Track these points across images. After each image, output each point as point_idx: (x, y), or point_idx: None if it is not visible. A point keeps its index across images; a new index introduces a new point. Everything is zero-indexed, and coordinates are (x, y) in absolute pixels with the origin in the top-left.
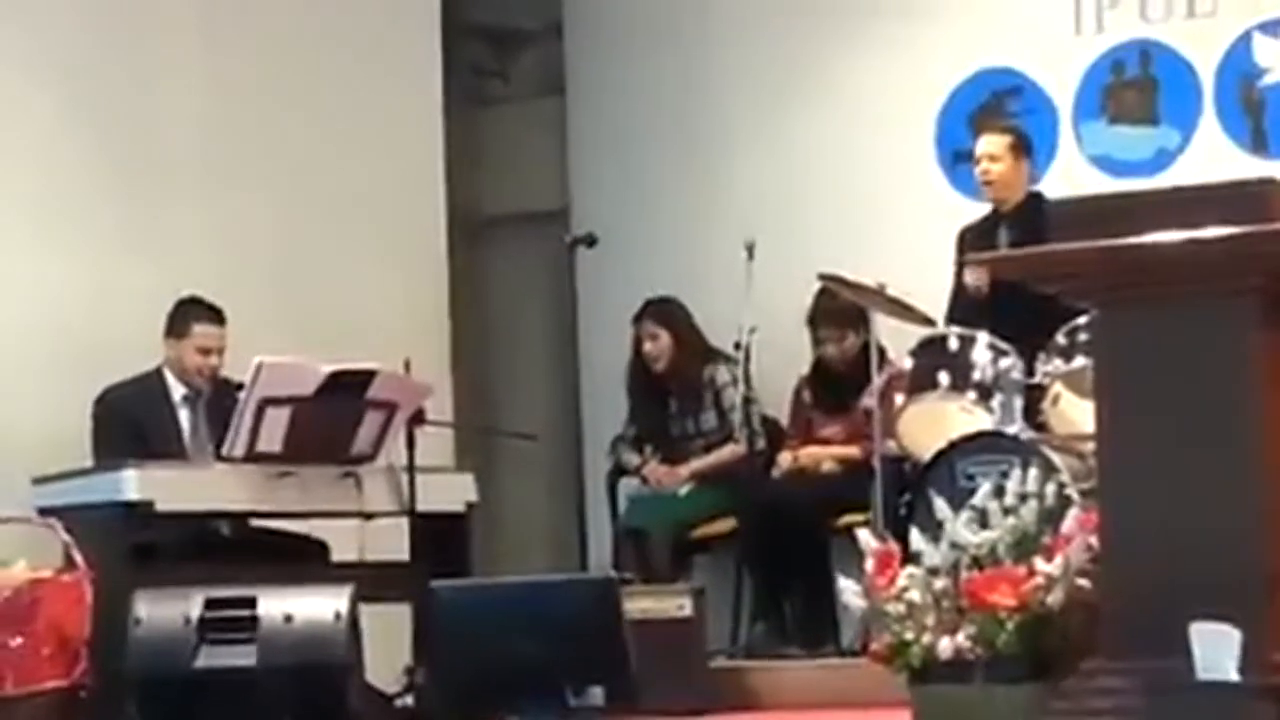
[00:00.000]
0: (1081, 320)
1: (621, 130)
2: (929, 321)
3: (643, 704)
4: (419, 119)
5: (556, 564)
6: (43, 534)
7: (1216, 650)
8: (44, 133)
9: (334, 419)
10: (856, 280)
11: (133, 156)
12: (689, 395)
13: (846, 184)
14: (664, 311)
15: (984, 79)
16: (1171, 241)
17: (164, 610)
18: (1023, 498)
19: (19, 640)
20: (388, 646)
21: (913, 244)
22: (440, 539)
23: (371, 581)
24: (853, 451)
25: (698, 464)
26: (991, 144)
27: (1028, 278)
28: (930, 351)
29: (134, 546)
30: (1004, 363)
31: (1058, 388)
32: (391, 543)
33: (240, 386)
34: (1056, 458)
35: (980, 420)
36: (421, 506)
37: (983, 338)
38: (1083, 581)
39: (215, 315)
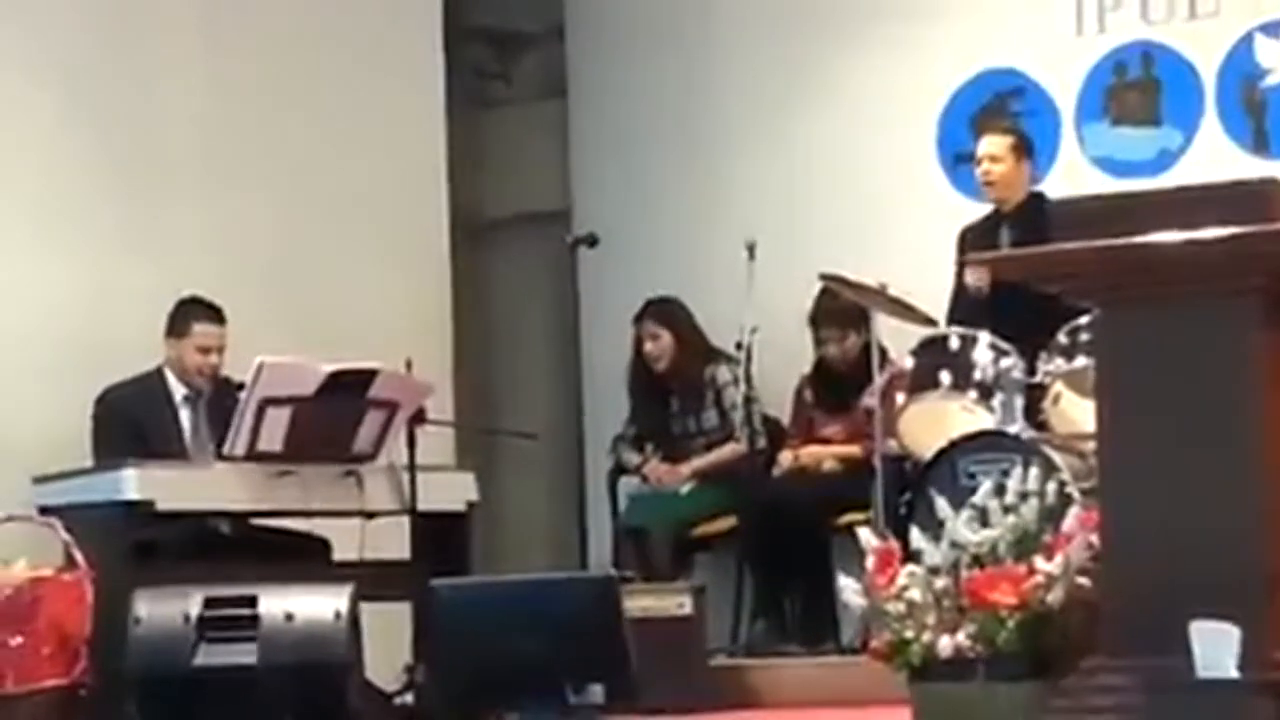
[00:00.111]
0: (1083, 320)
1: (623, 132)
2: (930, 321)
3: (643, 702)
4: (421, 120)
5: (557, 562)
6: (43, 533)
7: (1216, 648)
8: (44, 133)
9: (335, 418)
10: (858, 280)
11: (133, 156)
12: (690, 394)
13: (848, 184)
14: (665, 311)
15: (986, 80)
16: (1173, 241)
17: (164, 609)
18: (1023, 496)
19: (19, 639)
20: (388, 645)
21: (914, 244)
22: (441, 538)
23: (372, 580)
24: (854, 450)
25: (698, 462)
26: (993, 145)
27: (1029, 278)
28: (931, 351)
29: (134, 545)
30: (1005, 362)
31: (1059, 387)
32: (392, 541)
33: (241, 386)
34: (1057, 457)
35: (981, 419)
36: (422, 505)
37: (984, 337)
38: (1083, 580)
39: (215, 314)
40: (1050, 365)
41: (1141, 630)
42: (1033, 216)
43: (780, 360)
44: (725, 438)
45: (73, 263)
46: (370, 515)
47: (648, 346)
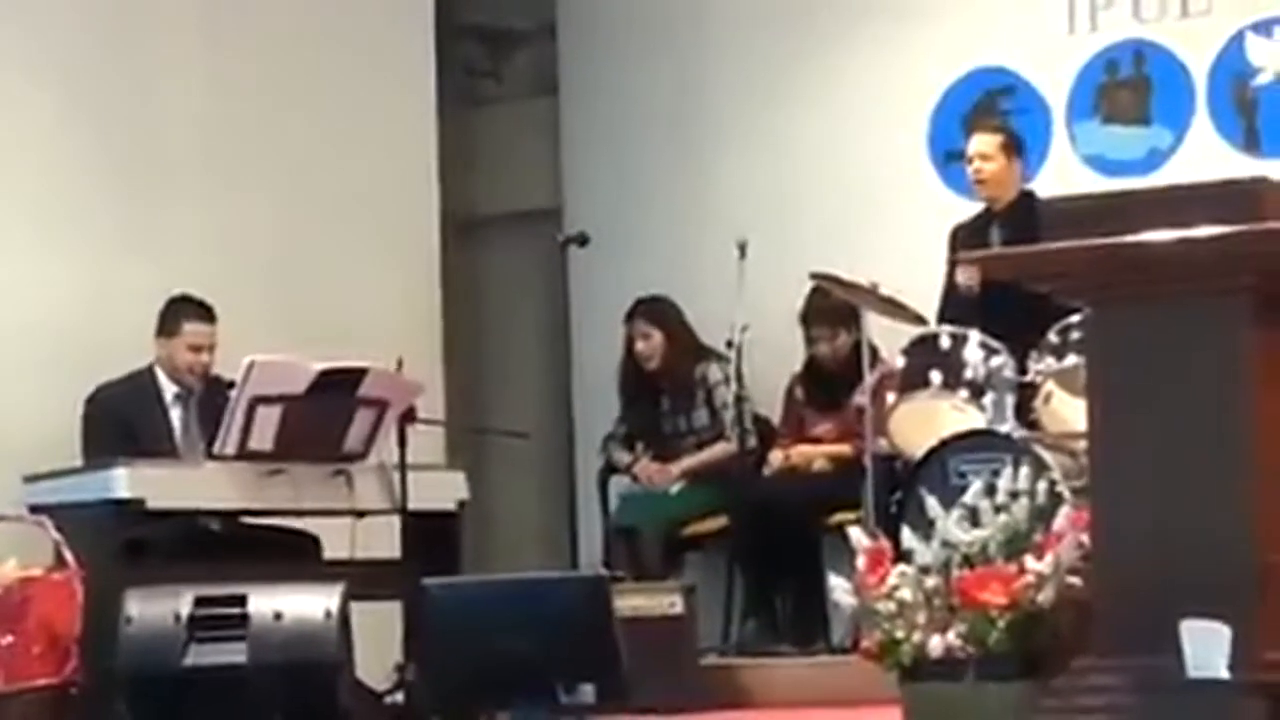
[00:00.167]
0: (1074, 319)
1: (614, 130)
2: (921, 320)
3: (634, 701)
4: (412, 119)
5: (548, 562)
6: (33, 532)
7: (1207, 648)
8: (42, 132)
9: (325, 417)
10: (849, 279)
11: (131, 156)
12: (681, 393)
13: (839, 183)
14: (656, 310)
15: (977, 78)
16: (1164, 240)
17: (154, 608)
18: (1014, 496)
19: (9, 638)
20: (378, 644)
21: (905, 243)
22: (431, 537)
23: (362, 579)
24: (844, 450)
25: (689, 462)
26: (983, 143)
27: (1020, 276)
28: (922, 350)
29: (125, 544)
30: (996, 361)
31: (1050, 386)
32: (382, 541)
33: (232, 385)
34: (1048, 456)
35: (972, 418)
36: (413, 504)
37: (974, 336)
38: (1074, 579)
39: (206, 313)
40: (1041, 364)
41: (1132, 630)
42: (1023, 215)
43: (771, 359)
44: (716, 437)
45: (69, 261)
46: (361, 514)
47: (638, 345)
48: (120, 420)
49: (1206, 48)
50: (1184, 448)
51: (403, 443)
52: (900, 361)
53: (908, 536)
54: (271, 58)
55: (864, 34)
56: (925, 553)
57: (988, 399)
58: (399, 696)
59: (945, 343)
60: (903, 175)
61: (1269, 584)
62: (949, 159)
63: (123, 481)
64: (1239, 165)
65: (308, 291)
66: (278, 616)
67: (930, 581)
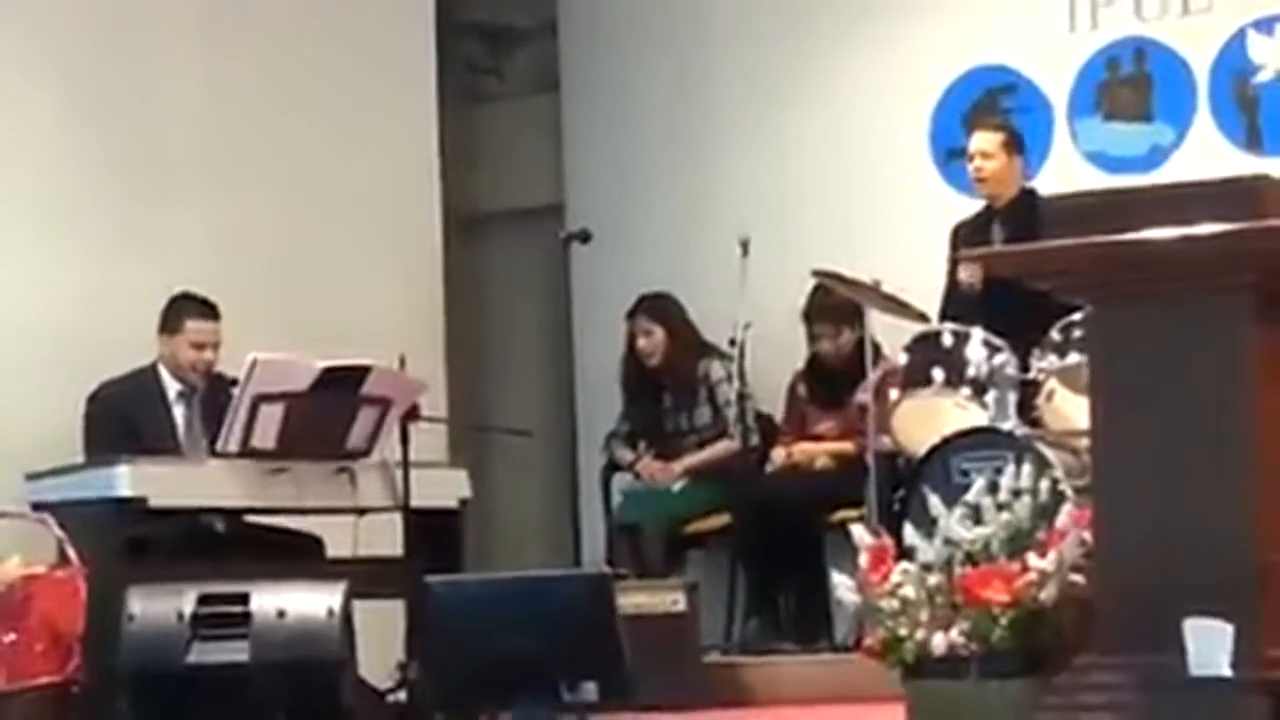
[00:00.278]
0: (1076, 316)
1: (616, 127)
2: (923, 317)
3: (636, 699)
4: (414, 116)
5: (550, 559)
6: (36, 530)
7: (1210, 646)
8: (44, 132)
9: (328, 415)
10: (851, 276)
11: (131, 156)
12: (683, 391)
13: (841, 180)
14: (658, 307)
15: (978, 76)
16: (1165, 238)
17: (157, 606)
18: (1016, 493)
19: (12, 636)
20: (381, 642)
21: (907, 240)
22: (434, 535)
23: (365, 577)
24: (847, 447)
25: (691, 459)
26: (984, 141)
27: (1022, 274)
28: (924, 347)
29: (127, 542)
30: (998, 359)
31: (1052, 384)
32: (385, 538)
33: (234, 382)
34: (1050, 453)
35: (974, 416)
36: (415, 502)
37: (977, 334)
38: (1076, 577)
39: (209, 310)
40: (1043, 362)
41: (1135, 628)
42: (1025, 213)
43: (773, 356)
44: (718, 434)
45: (70, 260)
46: (363, 512)
47: (640, 342)
48: (123, 418)
49: (1208, 45)
50: (1186, 445)
51: (405, 440)
52: (903, 359)
53: (910, 534)
54: (272, 57)
55: (865, 32)
56: (928, 550)
57: (990, 397)
58: (402, 695)
59: (948, 340)
60: (904, 173)
61: (1271, 582)
62: (950, 157)
63: (125, 479)
64: (1240, 163)
65: (309, 290)
66: (280, 615)
67: (933, 579)
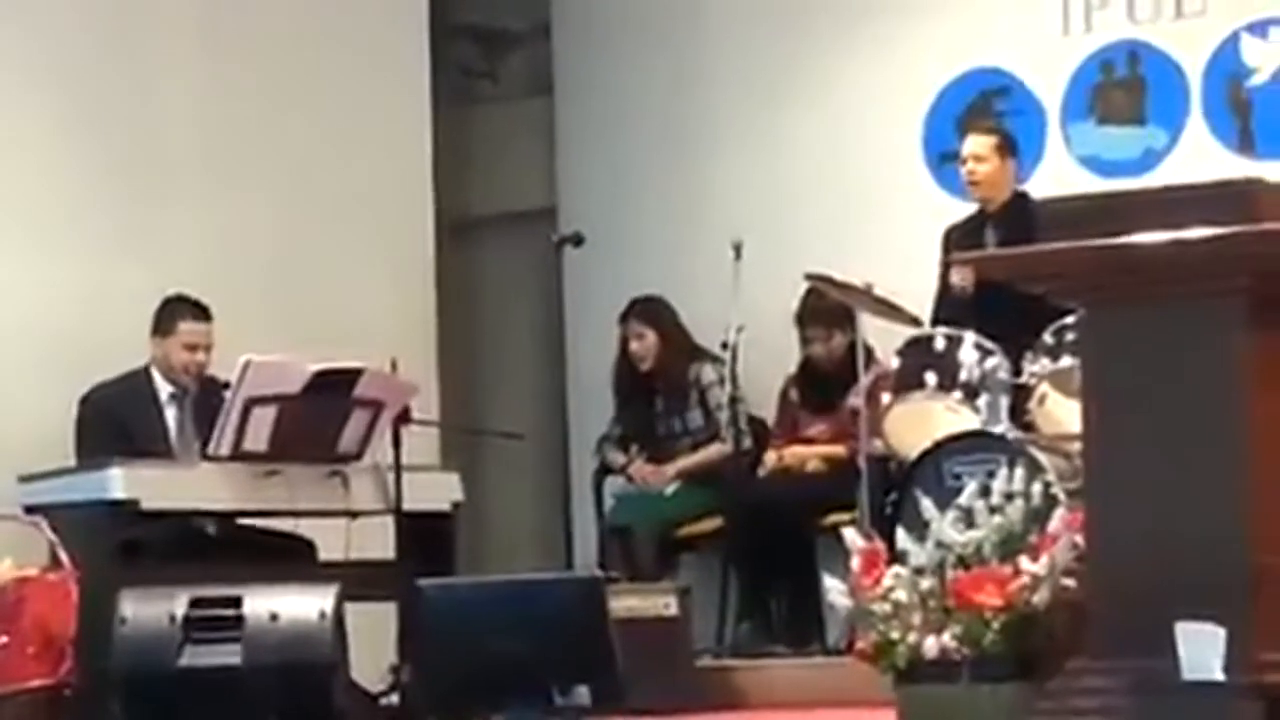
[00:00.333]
0: (1068, 320)
1: (609, 130)
2: (916, 321)
3: (628, 703)
4: (407, 119)
5: (542, 563)
6: (28, 532)
7: (1202, 650)
8: (41, 132)
9: (320, 418)
10: (844, 280)
11: (128, 157)
12: (675, 394)
13: (833, 184)
14: (650, 311)
15: (972, 79)
16: (1158, 241)
17: (149, 609)
18: (1009, 497)
19: (4, 638)
20: (373, 645)
21: (900, 244)
22: (426, 538)
23: (357, 580)
24: (839, 451)
25: (684, 463)
26: (977, 144)
27: (1015, 277)
28: (917, 351)
29: (120, 545)
30: (990, 362)
31: (1044, 387)
32: (377, 541)
33: (227, 385)
34: (1043, 457)
35: (967, 420)
36: (407, 505)
37: (969, 337)
38: (1068, 581)
39: (201, 312)
40: (1036, 365)
41: (1127, 632)
42: (1017, 216)
43: (766, 360)
44: (710, 438)
45: (67, 261)
46: (355, 515)
47: (632, 346)
48: (115, 420)
49: (1201, 48)
50: (1179, 449)
51: (397, 443)
52: (895, 362)
53: (902, 538)
54: (267, 59)
55: (859, 35)
56: (920, 554)
57: (982, 400)
58: (394, 697)
59: (940, 344)
60: (898, 176)
61: (1264, 585)
62: (943, 160)
63: (118, 482)
64: (1234, 166)
65: (303, 292)
66: (273, 617)
67: (925, 583)
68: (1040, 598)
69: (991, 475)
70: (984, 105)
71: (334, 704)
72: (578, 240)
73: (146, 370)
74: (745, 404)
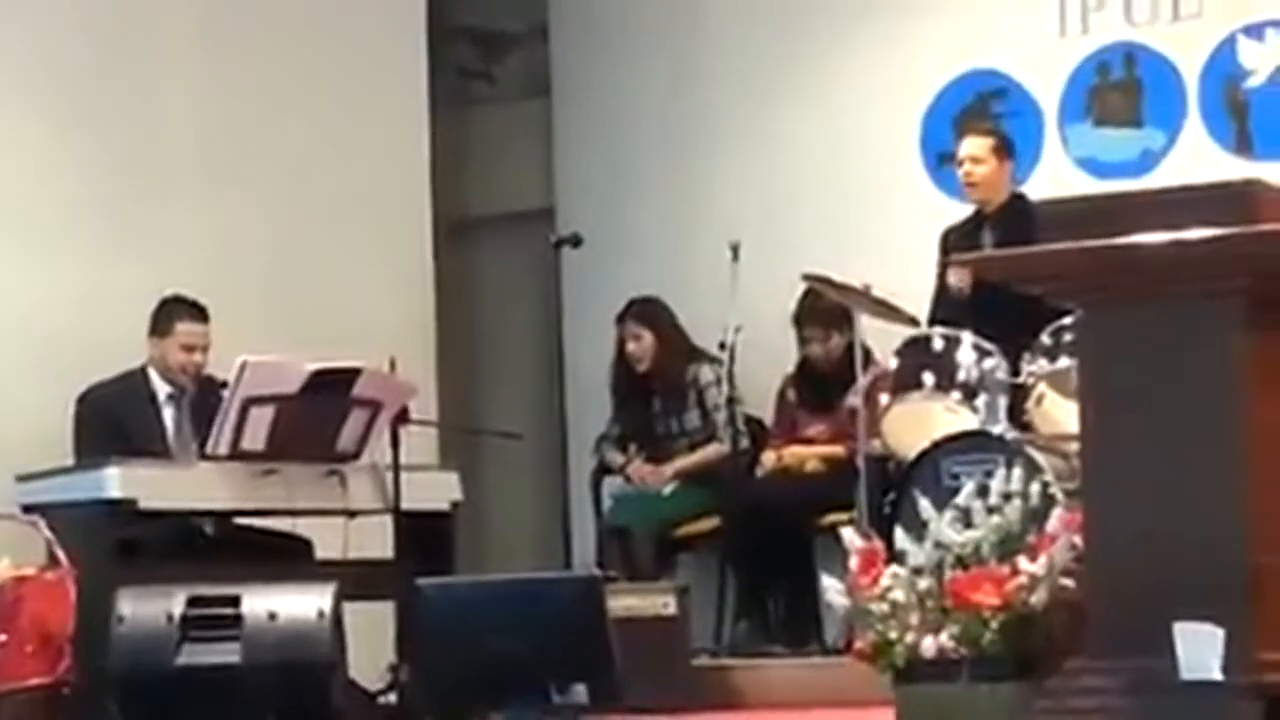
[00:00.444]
0: (1066, 320)
1: (607, 131)
2: (914, 322)
3: (626, 702)
4: (405, 120)
5: (541, 562)
6: (26, 531)
7: (1200, 650)
8: (39, 132)
9: (318, 417)
10: (841, 281)
11: (125, 157)
12: (672, 395)
13: (831, 184)
14: (647, 312)
15: (970, 81)
16: (1156, 243)
17: (147, 608)
18: (1007, 497)
19: (2, 637)
20: (372, 644)
21: (897, 244)
22: (424, 537)
23: (355, 579)
24: (837, 451)
25: (682, 463)
26: (974, 146)
27: (1012, 278)
28: (915, 351)
29: (117, 544)
30: (988, 363)
31: (1042, 388)
32: (375, 541)
33: (224, 385)
34: (1041, 457)
35: (965, 420)
36: (406, 505)
37: (967, 338)
38: (1066, 581)
39: (199, 313)
40: (1034, 366)
41: (1125, 632)
42: (1015, 217)
43: (763, 360)
44: (708, 438)
45: (64, 261)
46: (353, 514)
47: (630, 347)
48: (112, 420)
49: (1198, 50)
50: (1177, 449)
51: (395, 443)
52: (893, 363)
53: (900, 538)
54: (264, 59)
55: (856, 37)
56: (918, 554)
57: (980, 401)
58: (392, 697)
59: (938, 344)
60: (895, 177)
61: (1262, 585)
62: (941, 161)
63: (115, 481)
64: (1231, 167)
65: (301, 292)
66: (271, 617)
67: (923, 583)
68: (1038, 598)
69: (989, 475)
70: (982, 107)
71: (332, 703)
72: (576, 241)
73: (144, 370)
74: (743, 404)
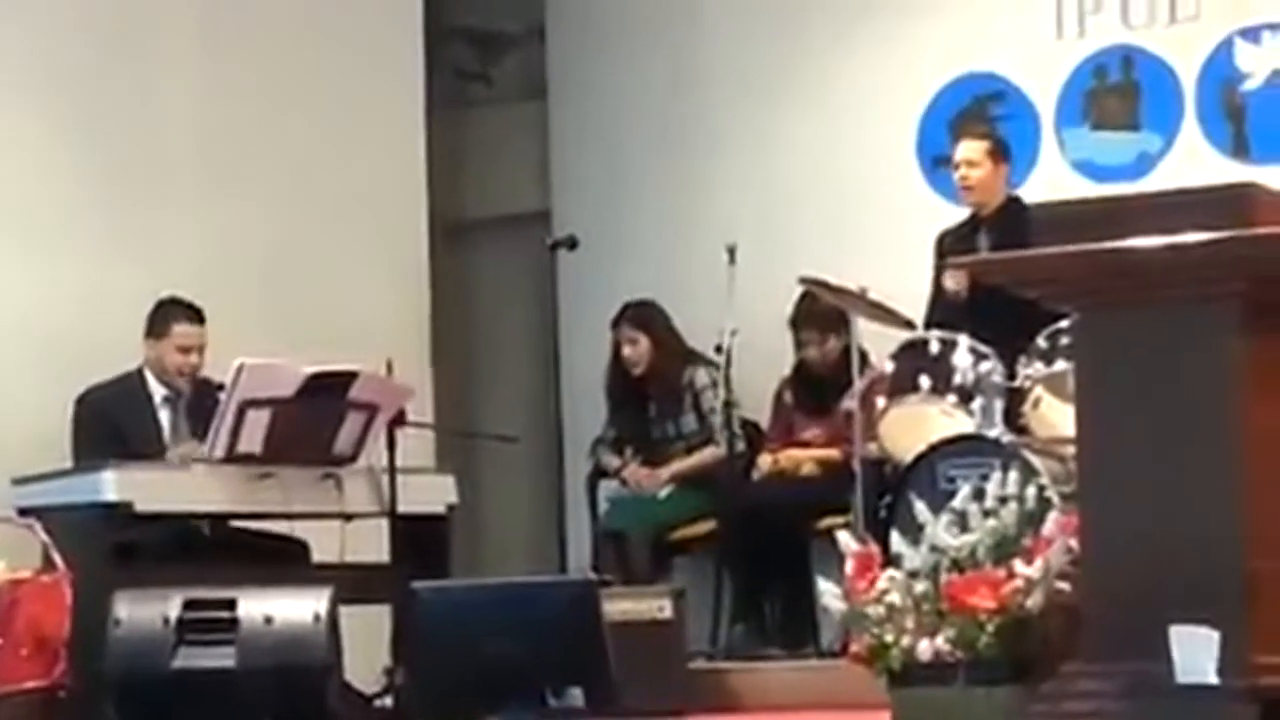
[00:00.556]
0: (1063, 324)
1: (603, 133)
2: (910, 325)
3: (622, 705)
4: (402, 121)
5: (536, 566)
6: (22, 535)
7: (1196, 653)
8: (37, 133)
9: (315, 420)
10: (838, 284)
11: (123, 158)
12: (668, 398)
13: (828, 188)
14: (642, 315)
15: (967, 84)
16: (1152, 246)
17: (143, 611)
18: (1003, 500)
19: None
20: (367, 647)
21: (894, 247)
22: (420, 540)
23: (351, 583)
24: (833, 454)
25: (678, 466)
26: (970, 149)
27: (1009, 282)
28: (911, 355)
29: (114, 547)
30: (985, 366)
31: (1038, 391)
32: (371, 544)
33: (221, 387)
34: (1037, 461)
35: (961, 423)
36: (402, 508)
37: (963, 341)
38: (1062, 584)
39: (194, 314)
40: (1030, 369)
41: (1121, 635)
42: (1011, 221)
43: (760, 363)
44: (704, 441)
45: (62, 263)
46: (349, 517)
47: (625, 350)
48: (109, 422)
49: (1195, 53)
50: (1173, 453)
51: (392, 446)
52: (889, 366)
53: (896, 541)
54: (262, 60)
55: (853, 39)
56: (914, 557)
57: (976, 404)
58: (388, 700)
59: (934, 348)
60: (892, 180)
61: (1257, 588)
62: (937, 164)
63: (111, 484)
64: (1227, 171)
65: (298, 294)
66: (267, 620)
67: (919, 586)
68: (1034, 601)
69: (986, 478)
70: (978, 110)
71: (328, 706)
72: (572, 243)
73: (139, 372)
74: (739, 407)
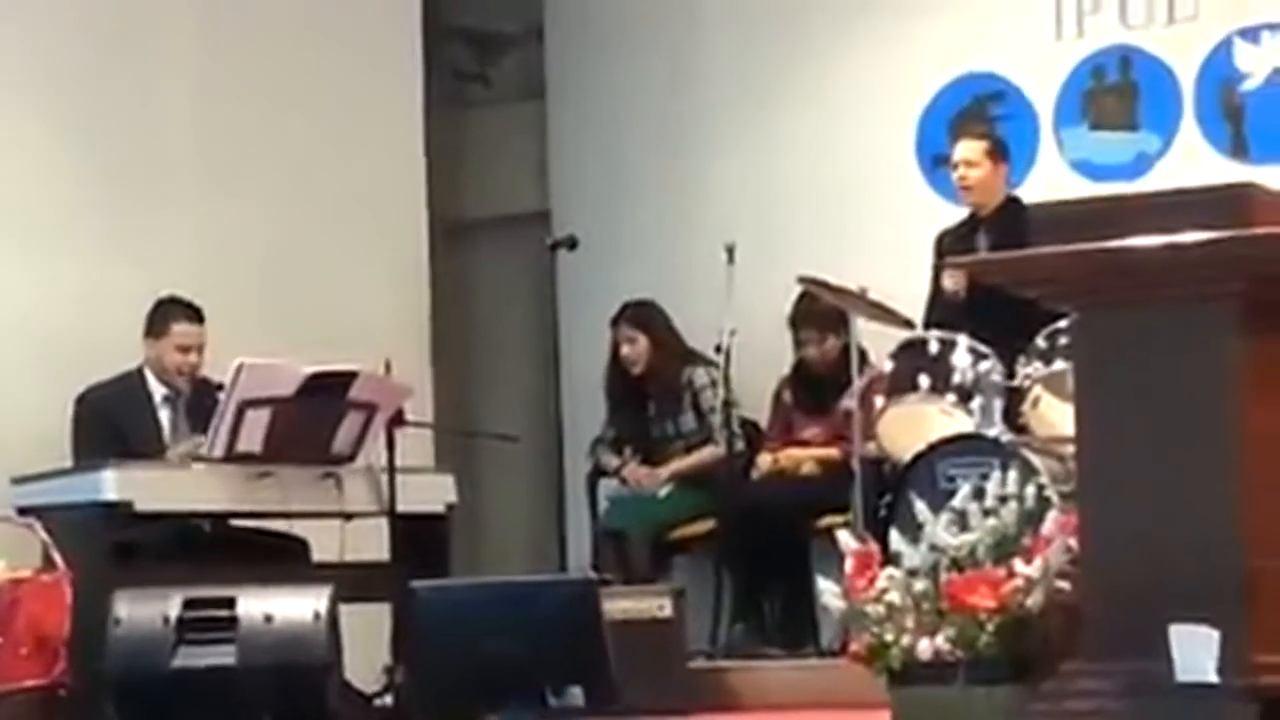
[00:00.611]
0: (1062, 323)
1: (602, 133)
2: (909, 324)
3: (622, 704)
4: (400, 121)
5: (536, 565)
6: (22, 534)
7: (1196, 652)
8: (36, 133)
9: (314, 420)
10: (837, 283)
11: (122, 158)
12: (667, 398)
13: (827, 187)
14: (641, 315)
15: (966, 83)
16: (1151, 246)
17: (143, 610)
18: (1002, 500)
19: None
20: (367, 646)
21: (893, 247)
22: (420, 539)
23: (351, 582)
24: (833, 453)
25: (677, 465)
26: (969, 149)
27: (1008, 281)
28: (910, 354)
29: (114, 546)
30: (984, 365)
31: (1038, 390)
32: (371, 543)
33: (220, 386)
34: (1036, 460)
35: (960, 422)
36: (401, 507)
37: (963, 341)
38: (1062, 584)
39: (194, 314)
40: (1029, 369)
41: (1121, 634)
42: (1009, 221)
43: (759, 363)
44: (703, 441)
45: (61, 262)
46: (349, 516)
47: (624, 350)
48: (109, 421)
49: (1193, 53)
50: (1172, 452)
51: (391, 445)
52: (889, 365)
53: (896, 540)
54: (261, 60)
55: (853, 38)
56: (914, 556)
57: (976, 403)
58: (388, 699)
59: (934, 347)
60: (891, 179)
61: (1257, 588)
62: (936, 164)
63: (111, 483)
64: (1226, 170)
65: (297, 294)
66: (267, 619)
67: (919, 585)
68: (1034, 600)
69: (985, 478)
70: (978, 110)
71: (328, 705)
72: (571, 243)
73: (139, 372)
74: (738, 407)
